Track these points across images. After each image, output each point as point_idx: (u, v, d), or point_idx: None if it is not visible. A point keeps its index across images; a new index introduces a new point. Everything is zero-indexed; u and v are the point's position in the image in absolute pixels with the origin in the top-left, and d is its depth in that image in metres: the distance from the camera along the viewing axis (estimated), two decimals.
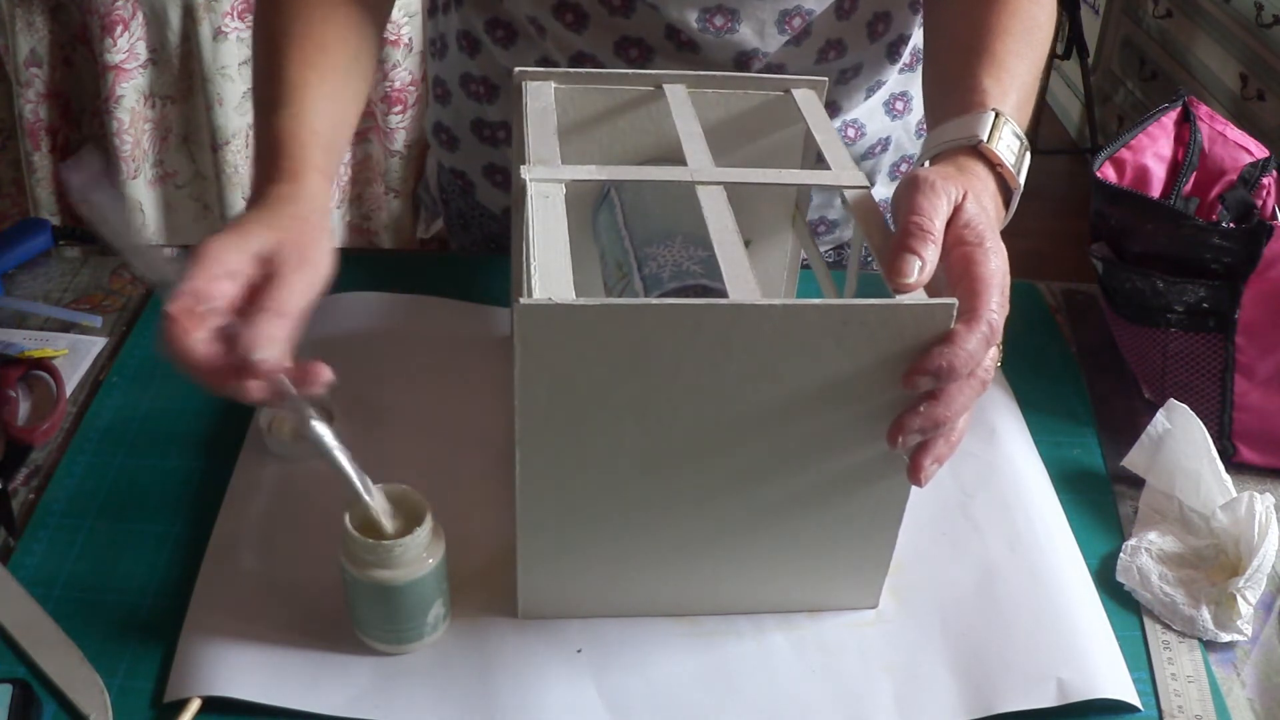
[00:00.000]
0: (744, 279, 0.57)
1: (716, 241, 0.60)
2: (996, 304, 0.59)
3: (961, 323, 0.57)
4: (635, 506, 0.62)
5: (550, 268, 0.57)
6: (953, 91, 0.74)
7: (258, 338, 0.58)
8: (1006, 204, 0.71)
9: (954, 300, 0.56)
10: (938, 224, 0.60)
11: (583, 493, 0.61)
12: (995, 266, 0.60)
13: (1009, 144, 0.70)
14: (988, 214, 0.63)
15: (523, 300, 0.54)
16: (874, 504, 0.64)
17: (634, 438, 0.59)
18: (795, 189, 0.78)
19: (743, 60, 0.88)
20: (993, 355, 0.60)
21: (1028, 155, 0.72)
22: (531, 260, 0.57)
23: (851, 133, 0.98)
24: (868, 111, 0.98)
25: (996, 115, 0.70)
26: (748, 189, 0.68)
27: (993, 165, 0.69)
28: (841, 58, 0.91)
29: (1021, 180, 0.70)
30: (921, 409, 0.58)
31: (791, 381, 0.58)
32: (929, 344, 0.57)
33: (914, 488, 0.62)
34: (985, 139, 0.68)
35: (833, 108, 0.96)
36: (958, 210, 0.62)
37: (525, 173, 0.64)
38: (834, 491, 0.63)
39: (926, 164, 0.70)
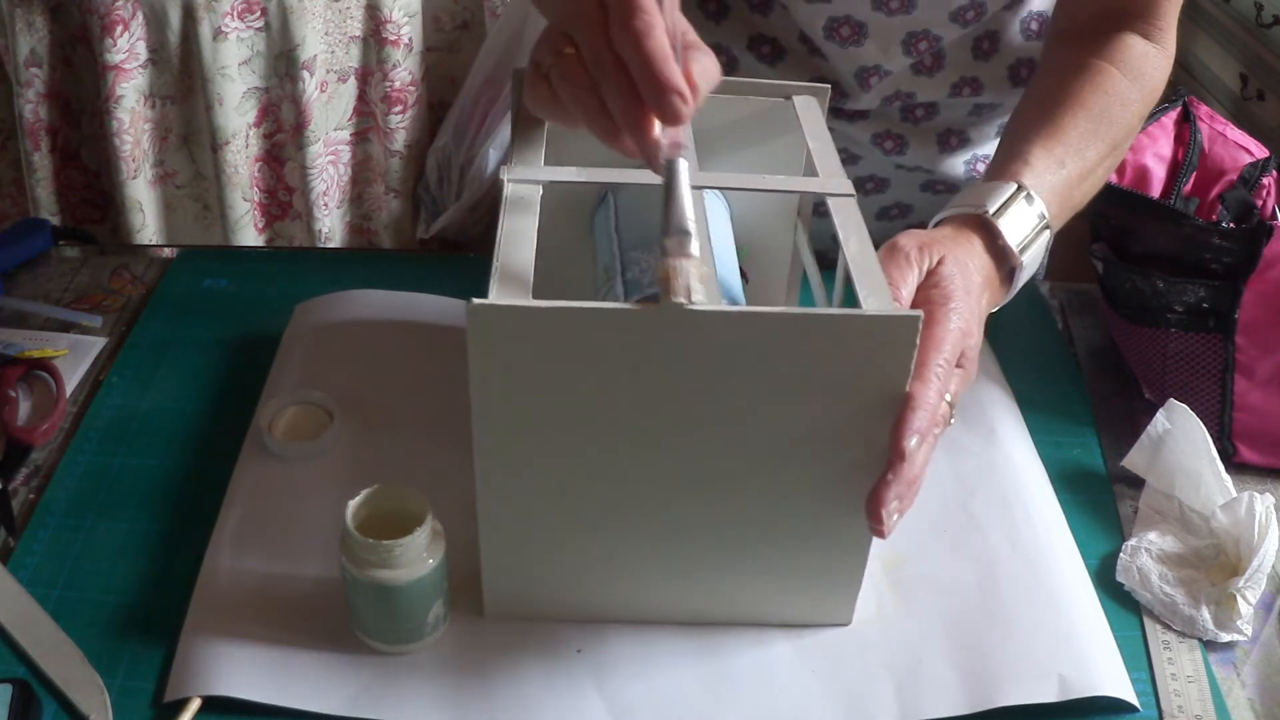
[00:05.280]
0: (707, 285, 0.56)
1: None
2: (944, 360, 0.59)
3: (917, 380, 0.57)
4: (595, 511, 0.61)
5: (512, 269, 0.56)
6: (1004, 155, 0.74)
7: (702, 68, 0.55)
8: (1010, 278, 0.70)
9: (919, 313, 0.55)
10: (904, 294, 0.61)
11: (541, 495, 0.60)
12: (953, 326, 0.61)
13: (1022, 220, 0.69)
14: (967, 276, 0.64)
15: (473, 300, 0.54)
16: (842, 515, 0.62)
17: (591, 442, 0.58)
18: (799, 196, 0.78)
19: (864, 76, 0.88)
20: (943, 411, 0.60)
21: (1044, 234, 0.71)
22: (495, 260, 0.57)
23: (981, 167, 0.97)
24: None
25: (1018, 189, 0.69)
26: (748, 195, 0.68)
27: (993, 237, 0.68)
28: (977, 95, 0.90)
29: (1027, 260, 0.70)
30: (890, 477, 0.58)
31: (751, 389, 0.56)
32: (896, 355, 0.56)
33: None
34: (991, 211, 0.68)
35: (961, 138, 0.95)
36: (931, 273, 0.63)
37: (504, 173, 0.64)
38: (799, 502, 0.61)
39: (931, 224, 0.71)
